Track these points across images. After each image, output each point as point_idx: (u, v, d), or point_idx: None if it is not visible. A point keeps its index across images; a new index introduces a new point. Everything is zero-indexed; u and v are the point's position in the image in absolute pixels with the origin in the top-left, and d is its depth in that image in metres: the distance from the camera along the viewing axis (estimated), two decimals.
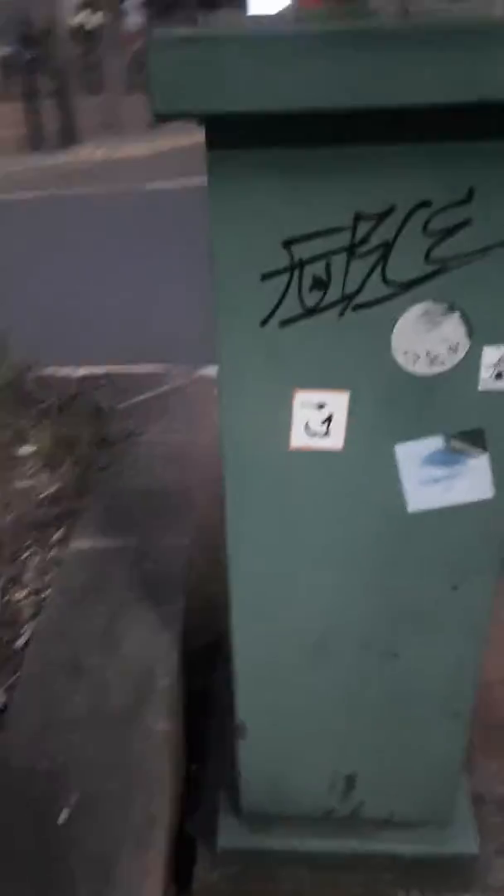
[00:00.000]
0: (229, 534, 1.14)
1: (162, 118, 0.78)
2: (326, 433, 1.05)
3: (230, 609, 1.23)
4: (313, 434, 1.05)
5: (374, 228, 0.90)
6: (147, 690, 1.51)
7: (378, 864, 1.50)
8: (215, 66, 0.75)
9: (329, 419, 1.04)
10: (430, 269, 0.92)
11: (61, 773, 1.35)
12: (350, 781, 1.44)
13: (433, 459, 1.07)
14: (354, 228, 0.90)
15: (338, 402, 1.02)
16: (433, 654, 1.25)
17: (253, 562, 1.16)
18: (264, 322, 0.96)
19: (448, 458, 1.06)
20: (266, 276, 0.93)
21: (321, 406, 1.03)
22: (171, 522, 2.04)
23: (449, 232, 0.90)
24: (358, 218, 0.89)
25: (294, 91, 0.76)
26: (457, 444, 1.05)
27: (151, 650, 1.60)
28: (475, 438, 1.04)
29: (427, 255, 0.91)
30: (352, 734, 1.36)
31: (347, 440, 1.05)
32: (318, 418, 1.04)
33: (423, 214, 0.89)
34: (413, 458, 1.06)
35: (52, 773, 1.35)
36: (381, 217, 0.89)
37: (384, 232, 0.90)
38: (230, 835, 1.50)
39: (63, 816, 1.26)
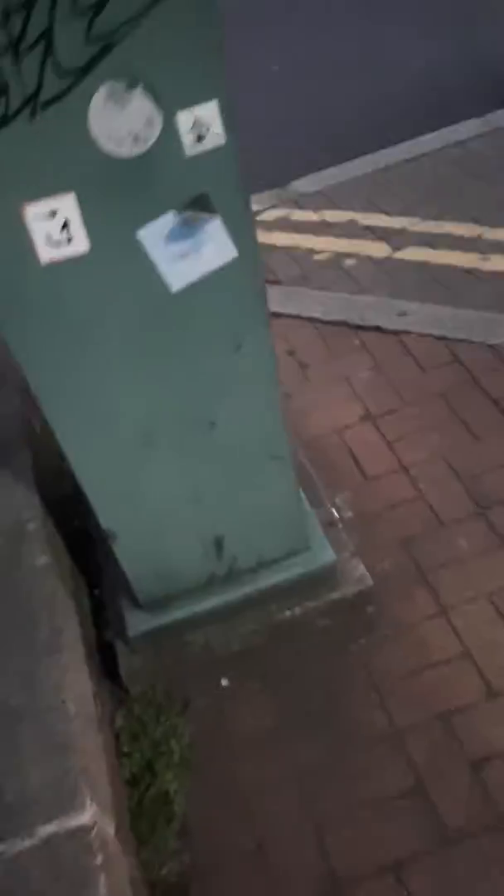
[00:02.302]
0: (29, 369, 1.21)
1: None
2: (70, 240, 1.11)
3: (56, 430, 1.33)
4: (57, 244, 1.11)
5: (27, 20, 0.91)
6: (19, 535, 1.63)
7: (263, 599, 1.77)
8: None
9: (66, 225, 1.09)
10: (96, 47, 0.95)
11: None
12: (219, 542, 1.66)
13: (175, 235, 1.16)
14: (6, 24, 0.91)
15: (66, 206, 1.08)
16: (240, 413, 1.43)
17: (60, 381, 1.25)
18: None
19: (187, 229, 1.16)
20: None
21: (53, 214, 1.08)
22: None
23: (98, 4, 0.92)
24: (6, 13, 0.90)
25: None
26: (188, 213, 1.14)
27: (12, 501, 1.70)
28: (202, 203, 1.14)
29: (88, 35, 0.94)
30: (203, 500, 1.55)
31: (92, 240, 1.12)
32: (55, 227, 1.09)
33: None
34: (156, 239, 1.15)
35: None
36: (27, 5, 0.90)
37: (38, 21, 0.92)
38: (136, 623, 1.72)
39: None
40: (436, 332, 2.63)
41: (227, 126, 1.07)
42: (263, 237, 3.28)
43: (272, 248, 3.21)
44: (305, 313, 2.83)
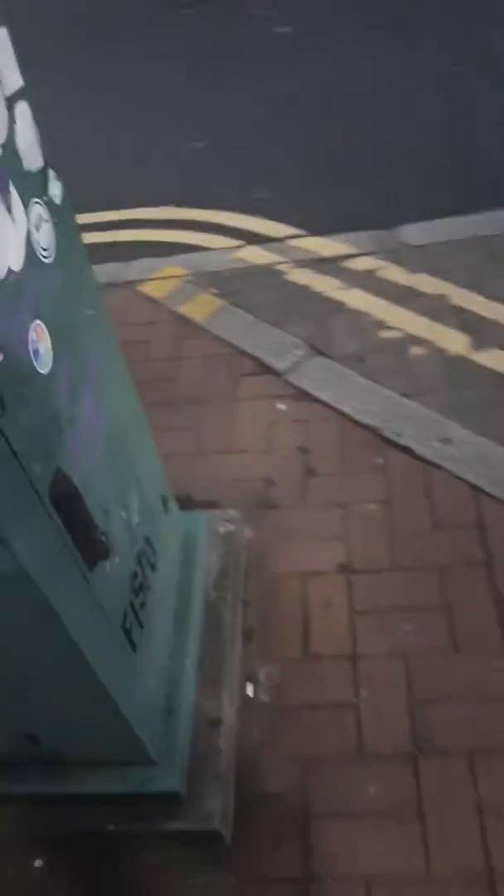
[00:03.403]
0: None
1: None
2: None
3: None
4: None
5: None
6: None
7: (91, 800, 1.50)
8: None
9: None
10: None
11: None
12: (33, 738, 1.41)
13: None
14: None
15: None
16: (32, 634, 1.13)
17: None
18: None
19: None
20: None
21: None
22: None
23: None
24: None
25: None
26: None
27: None
28: None
29: None
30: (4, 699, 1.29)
31: None
32: None
33: None
34: None
35: None
36: None
37: None
38: None
39: None
40: (472, 478, 2.12)
41: None
42: (338, 294, 2.82)
43: (341, 307, 2.75)
44: (338, 405, 2.40)
